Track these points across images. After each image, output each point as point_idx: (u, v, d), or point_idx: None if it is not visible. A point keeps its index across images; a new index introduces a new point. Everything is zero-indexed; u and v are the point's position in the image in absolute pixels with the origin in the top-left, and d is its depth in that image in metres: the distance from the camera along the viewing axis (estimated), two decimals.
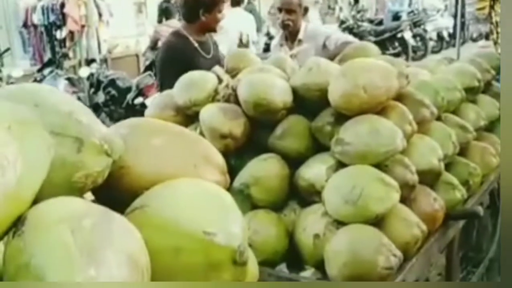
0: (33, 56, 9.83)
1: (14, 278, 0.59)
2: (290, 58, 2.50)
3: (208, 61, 3.17)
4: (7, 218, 0.62)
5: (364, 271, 1.61)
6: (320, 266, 1.75)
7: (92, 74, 7.75)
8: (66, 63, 8.63)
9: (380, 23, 14.42)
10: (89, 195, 0.87)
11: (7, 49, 8.15)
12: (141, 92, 6.96)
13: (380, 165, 1.79)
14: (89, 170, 0.76)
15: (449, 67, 2.67)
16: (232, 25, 6.84)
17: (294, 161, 1.98)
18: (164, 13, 7.75)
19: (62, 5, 9.36)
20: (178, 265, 0.70)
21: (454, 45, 10.32)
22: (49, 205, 0.65)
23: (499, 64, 2.70)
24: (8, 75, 7.07)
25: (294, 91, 2.05)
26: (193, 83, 2.18)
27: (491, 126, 2.54)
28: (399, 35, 12.65)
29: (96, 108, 7.29)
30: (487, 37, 10.83)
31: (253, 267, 0.96)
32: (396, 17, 14.62)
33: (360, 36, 11.70)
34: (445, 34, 13.85)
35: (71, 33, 9.35)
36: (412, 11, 14.41)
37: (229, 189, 1.03)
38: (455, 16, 10.03)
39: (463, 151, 2.26)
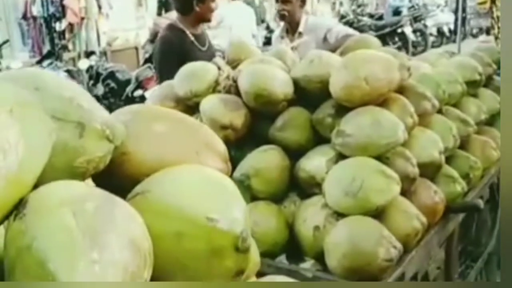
0: (32, 48, 9.79)
1: (15, 260, 0.58)
2: (291, 50, 2.50)
3: (204, 53, 3.20)
4: (8, 201, 0.62)
5: (364, 263, 1.61)
6: (319, 257, 1.75)
7: (91, 67, 7.73)
8: (66, 55, 8.62)
9: (381, 18, 14.40)
10: (90, 183, 0.86)
11: (6, 41, 8.12)
12: (141, 84, 6.94)
13: (381, 158, 1.79)
14: (90, 155, 0.76)
15: (450, 61, 2.67)
16: (232, 19, 6.83)
17: (294, 153, 1.98)
18: (164, 6, 7.73)
19: None
20: (180, 251, 0.69)
21: (454, 41, 10.32)
22: (51, 188, 0.64)
23: (500, 58, 2.69)
24: (7, 66, 7.04)
25: (295, 83, 2.04)
26: (194, 74, 2.17)
27: (492, 120, 2.54)
28: (399, 30, 12.63)
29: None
30: (488, 32, 10.81)
31: (255, 256, 0.96)
32: (396, 12, 14.59)
33: (360, 31, 11.63)
34: (445, 29, 13.83)
35: (71, 25, 9.32)
36: (412, 6, 14.38)
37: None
38: (456, 11, 10.00)
39: (463, 144, 2.26)
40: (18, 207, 0.63)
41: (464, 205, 2.10)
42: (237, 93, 2.11)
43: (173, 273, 0.71)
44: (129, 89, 7.09)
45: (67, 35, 9.40)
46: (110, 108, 7.31)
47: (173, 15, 6.94)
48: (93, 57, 8.24)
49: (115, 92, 7.31)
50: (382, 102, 1.89)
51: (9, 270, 0.59)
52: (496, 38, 3.90)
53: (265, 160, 1.94)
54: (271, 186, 1.93)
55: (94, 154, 0.76)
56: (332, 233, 1.69)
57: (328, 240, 1.69)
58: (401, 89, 2.00)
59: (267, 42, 9.24)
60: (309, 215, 1.82)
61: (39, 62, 7.66)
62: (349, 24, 12.64)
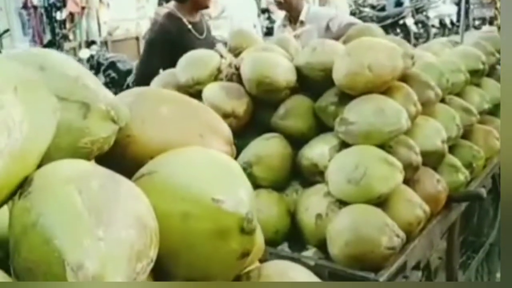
0: (33, 38, 9.77)
1: (20, 238, 0.58)
2: (293, 39, 2.49)
3: (202, 42, 3.19)
4: (13, 179, 0.61)
5: (367, 251, 1.60)
6: (322, 246, 1.75)
7: (92, 56, 7.73)
8: (66, 45, 8.61)
9: (383, 9, 14.34)
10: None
11: (6, 30, 8.10)
12: None
13: (384, 146, 1.78)
14: (95, 136, 0.75)
15: (453, 50, 2.65)
16: (233, 9, 6.80)
17: (297, 141, 1.97)
18: None
19: None
20: (186, 231, 0.69)
21: (456, 33, 10.29)
22: (56, 167, 0.64)
23: None
24: None
25: (298, 71, 2.03)
26: (196, 61, 2.16)
27: (495, 109, 2.53)
28: (401, 22, 12.59)
29: None
30: (491, 22, 10.77)
31: (260, 240, 0.95)
32: (398, 3, 14.51)
33: (362, 22, 11.63)
34: (447, 21, 13.78)
35: (71, 14, 9.29)
36: None
37: None
38: (459, 1, 9.96)
39: (466, 134, 2.25)
40: (23, 185, 0.63)
41: (467, 194, 2.10)
42: (239, 81, 2.10)
43: (178, 254, 0.70)
44: (130, 79, 7.08)
45: (67, 25, 9.37)
46: None
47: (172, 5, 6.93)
48: (94, 47, 8.23)
49: (116, 82, 7.31)
50: (386, 90, 1.88)
51: (14, 247, 0.59)
52: (499, 28, 3.89)
53: (267, 148, 1.93)
54: (273, 174, 1.92)
55: (98, 135, 0.75)
56: (334, 221, 1.69)
57: (331, 228, 1.68)
58: (405, 78, 1.99)
59: (268, 32, 9.21)
60: (312, 204, 1.82)
61: None
62: (351, 14, 12.60)
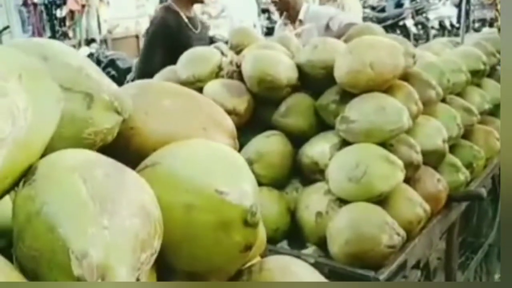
0: (32, 35, 9.76)
1: (24, 226, 0.57)
2: (294, 37, 2.49)
3: (197, 36, 3.21)
4: (17, 167, 0.61)
5: (367, 249, 1.60)
6: (321, 244, 1.75)
7: (92, 54, 7.73)
8: (66, 43, 8.57)
9: (383, 10, 14.34)
10: None
11: (6, 27, 8.08)
12: None
13: (385, 144, 1.78)
14: (98, 127, 0.75)
15: (454, 50, 2.66)
16: (233, 9, 6.80)
17: (297, 139, 1.97)
18: None
19: None
20: (189, 223, 0.69)
21: (456, 35, 10.28)
22: (60, 155, 0.64)
23: None
24: None
25: (299, 69, 2.03)
26: (197, 58, 2.15)
27: (495, 110, 2.53)
28: (401, 23, 12.60)
29: None
30: (491, 24, 10.78)
31: (262, 235, 0.95)
32: (398, 4, 14.53)
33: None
34: (447, 23, 13.79)
35: (71, 12, 9.29)
36: None
37: None
38: (459, 2, 9.96)
39: (467, 134, 2.25)
40: (27, 174, 0.62)
41: (467, 194, 2.10)
42: (241, 78, 2.10)
43: (181, 245, 0.70)
44: (129, 77, 7.07)
45: (67, 22, 9.37)
46: None
47: None
48: (94, 45, 8.23)
49: (115, 80, 7.19)
50: (387, 89, 1.88)
51: (18, 235, 0.59)
52: (499, 30, 3.89)
53: (268, 146, 1.93)
54: (274, 172, 1.92)
55: (102, 125, 0.75)
56: (335, 219, 1.69)
57: (331, 226, 1.68)
58: (406, 77, 1.99)
59: (268, 32, 9.21)
60: (312, 201, 1.82)
61: None
62: None
